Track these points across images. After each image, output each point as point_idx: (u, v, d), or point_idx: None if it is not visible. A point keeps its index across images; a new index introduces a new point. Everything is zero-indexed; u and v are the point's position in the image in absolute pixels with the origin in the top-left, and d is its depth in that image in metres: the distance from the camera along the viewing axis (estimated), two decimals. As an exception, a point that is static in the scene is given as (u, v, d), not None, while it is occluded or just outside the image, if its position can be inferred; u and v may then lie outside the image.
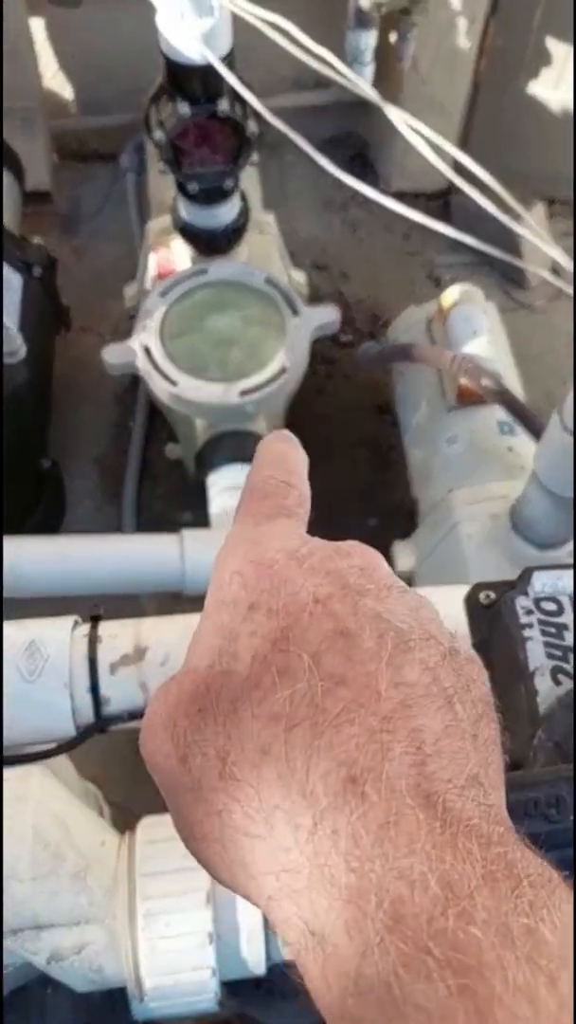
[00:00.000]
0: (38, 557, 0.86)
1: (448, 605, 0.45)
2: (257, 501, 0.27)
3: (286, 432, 0.30)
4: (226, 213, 1.01)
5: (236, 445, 0.97)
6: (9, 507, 1.10)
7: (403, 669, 0.21)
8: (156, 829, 0.53)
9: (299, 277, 1.26)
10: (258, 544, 0.25)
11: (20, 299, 1.08)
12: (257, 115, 0.91)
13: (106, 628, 0.46)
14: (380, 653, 0.21)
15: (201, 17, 0.78)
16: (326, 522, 1.19)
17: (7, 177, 1.24)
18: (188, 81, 0.84)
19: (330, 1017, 0.19)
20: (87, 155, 1.58)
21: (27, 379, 1.04)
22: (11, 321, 1.02)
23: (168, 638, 0.46)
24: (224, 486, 0.96)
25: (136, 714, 0.45)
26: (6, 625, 0.47)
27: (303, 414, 1.23)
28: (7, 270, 1.07)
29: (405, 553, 1.01)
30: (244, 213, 1.03)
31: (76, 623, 0.47)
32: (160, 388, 0.97)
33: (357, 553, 0.24)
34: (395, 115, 0.77)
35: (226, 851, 0.21)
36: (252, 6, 0.73)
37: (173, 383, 0.96)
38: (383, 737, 0.20)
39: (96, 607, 0.49)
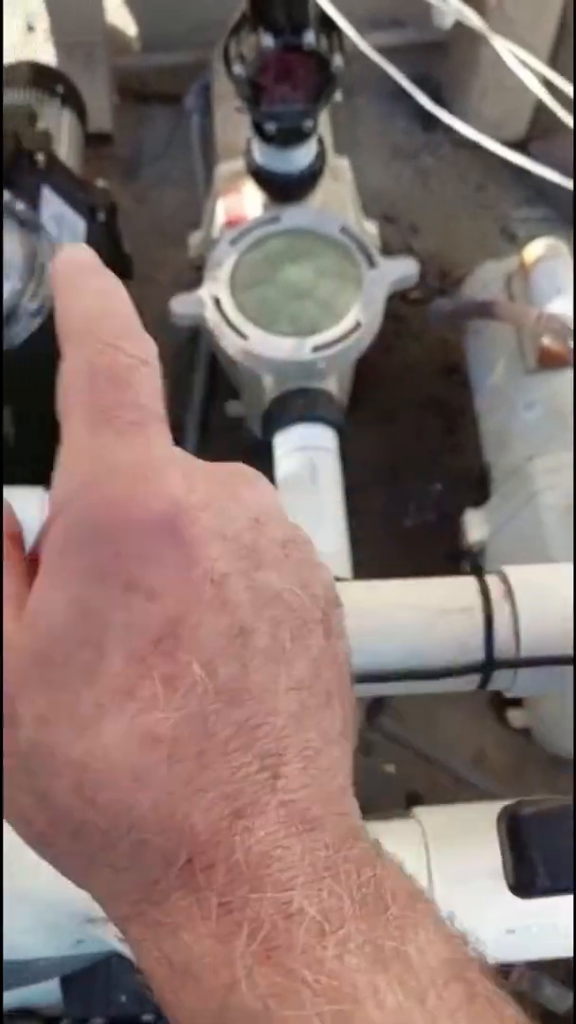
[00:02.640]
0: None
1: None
2: (111, 395, 0.19)
3: (83, 249, 0.21)
4: (303, 156, 0.95)
5: (306, 403, 0.93)
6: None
7: (295, 666, 0.19)
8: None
9: (371, 228, 1.19)
10: (134, 485, 0.18)
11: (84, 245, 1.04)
12: (342, 47, 0.85)
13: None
14: (275, 653, 0.19)
15: None
16: (390, 484, 1.15)
17: (69, 116, 1.19)
18: (272, 8, 0.78)
19: None
20: (148, 96, 1.52)
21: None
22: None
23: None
24: (293, 446, 0.92)
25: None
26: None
27: (367, 372, 1.18)
28: (71, 213, 1.03)
29: (477, 523, 0.97)
30: (321, 157, 0.98)
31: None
32: (229, 342, 0.93)
33: (249, 495, 0.20)
34: (500, 45, 0.71)
35: (77, 863, 0.19)
36: None
37: (243, 337, 0.92)
38: (273, 762, 0.18)
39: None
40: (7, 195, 0.88)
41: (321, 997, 0.16)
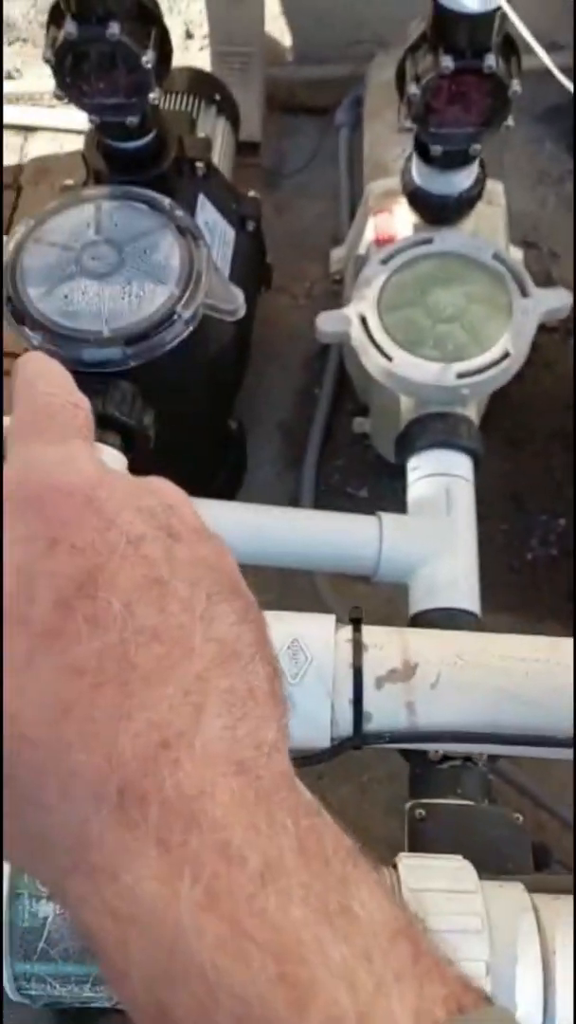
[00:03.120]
0: (232, 525, 0.83)
1: None
2: (44, 420, 0.23)
3: (40, 353, 0.27)
4: (464, 179, 0.94)
5: (446, 429, 0.91)
6: (196, 467, 1.08)
7: (214, 623, 0.20)
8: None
9: (516, 254, 1.17)
10: (55, 468, 0.21)
11: (232, 254, 1.05)
12: (520, 72, 0.84)
13: (370, 635, 0.42)
14: (194, 604, 0.20)
15: (487, -41, 0.71)
16: (513, 515, 1.12)
17: (224, 125, 1.20)
18: (456, 32, 0.77)
19: (133, 1006, 0.17)
20: (295, 108, 1.53)
21: (232, 337, 1.01)
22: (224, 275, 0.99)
23: (440, 656, 0.42)
24: (428, 471, 0.91)
25: (399, 737, 0.41)
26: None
27: (496, 399, 1.16)
28: (223, 222, 1.04)
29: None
30: (480, 181, 0.96)
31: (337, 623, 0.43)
32: (373, 362, 0.92)
33: (165, 490, 0.22)
34: None
35: (11, 823, 0.19)
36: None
37: (388, 358, 0.91)
38: (196, 699, 0.19)
39: (357, 608, 0.45)
40: (169, 201, 0.89)
41: (267, 953, 0.16)
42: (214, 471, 1.11)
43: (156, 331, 0.81)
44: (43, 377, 0.25)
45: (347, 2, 1.41)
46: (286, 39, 1.47)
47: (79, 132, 1.29)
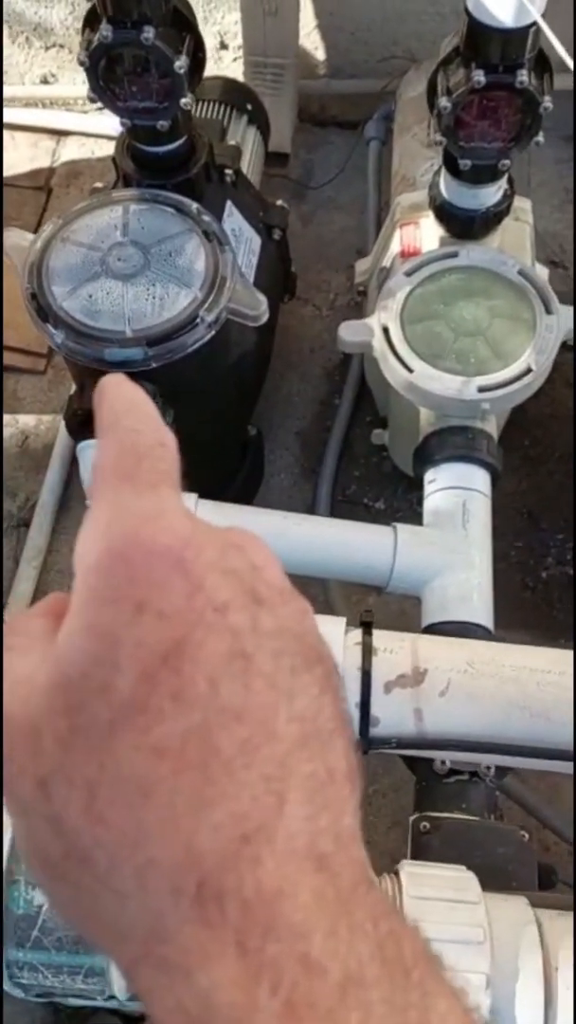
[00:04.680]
0: (248, 529, 0.83)
1: None
2: (132, 464, 0.22)
3: (122, 376, 0.26)
4: (492, 195, 0.94)
5: (465, 443, 0.91)
6: (215, 472, 1.08)
7: (296, 699, 0.19)
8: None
9: (542, 272, 1.17)
10: (145, 524, 0.20)
11: (257, 261, 1.05)
12: (552, 88, 0.84)
13: (381, 639, 0.42)
14: (277, 680, 0.19)
15: (522, -24, 0.71)
16: (528, 532, 1.11)
17: (254, 134, 1.21)
18: (490, 46, 0.77)
19: None
20: (326, 121, 1.54)
21: (255, 344, 1.01)
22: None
23: (450, 663, 0.41)
24: (445, 483, 0.90)
25: (406, 743, 0.41)
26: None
27: (514, 414, 1.15)
28: (249, 230, 1.04)
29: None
30: (508, 197, 0.96)
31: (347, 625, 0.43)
32: (394, 373, 0.92)
33: (250, 546, 0.22)
34: None
35: (84, 901, 0.18)
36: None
37: (409, 369, 0.91)
38: (278, 786, 0.18)
39: (368, 612, 0.44)
40: (196, 206, 0.89)
41: None
42: (232, 475, 1.11)
43: (178, 333, 0.82)
44: (129, 411, 0.24)
45: (380, 19, 1.42)
46: (319, 53, 1.48)
47: (110, 138, 1.30)
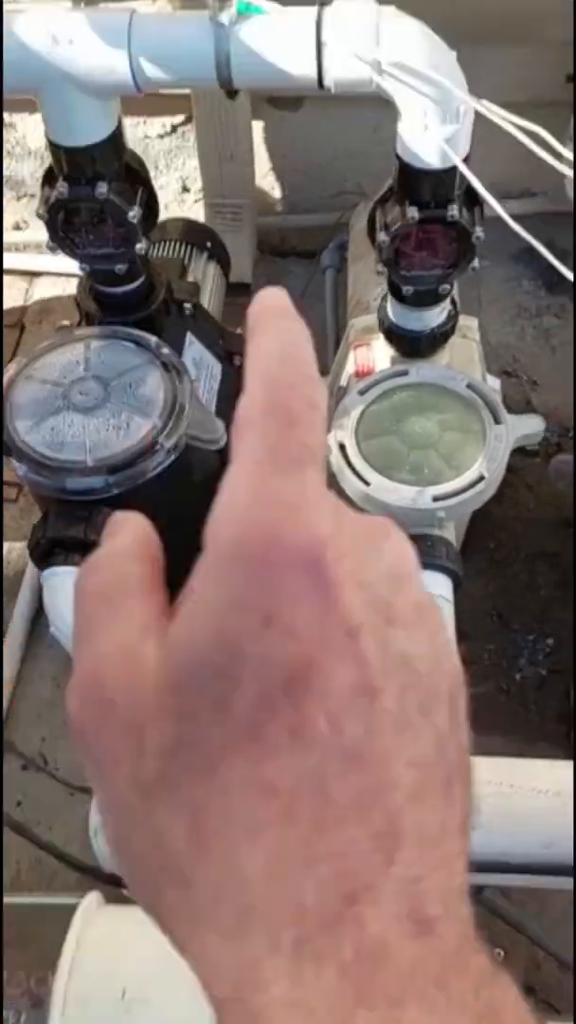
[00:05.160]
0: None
1: None
2: (281, 429, 0.20)
3: (279, 293, 0.22)
4: (435, 317, 0.99)
5: (424, 550, 0.93)
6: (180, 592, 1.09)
7: (419, 742, 0.18)
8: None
9: (494, 384, 1.22)
10: (286, 517, 0.18)
11: (219, 387, 1.10)
12: (482, 219, 0.90)
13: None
14: (401, 719, 0.18)
15: (445, 124, 0.78)
16: (500, 635, 1.11)
17: (215, 269, 1.28)
18: (420, 186, 0.84)
19: None
20: (286, 251, 1.63)
21: (219, 464, 1.04)
22: (210, 408, 1.03)
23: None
24: (408, 594, 0.92)
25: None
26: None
27: (479, 519, 1.18)
28: (210, 357, 1.09)
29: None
30: (452, 317, 1.02)
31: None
32: (352, 486, 0.95)
33: (388, 547, 0.20)
34: None
35: (182, 925, 0.18)
36: (508, 113, 0.72)
37: (366, 483, 0.94)
38: (389, 843, 0.17)
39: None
40: (155, 339, 0.94)
41: None
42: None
43: (139, 460, 0.85)
44: (284, 357, 0.21)
45: (331, 159, 1.52)
46: (276, 192, 1.58)
47: (48, 246, 1.38)
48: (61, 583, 0.81)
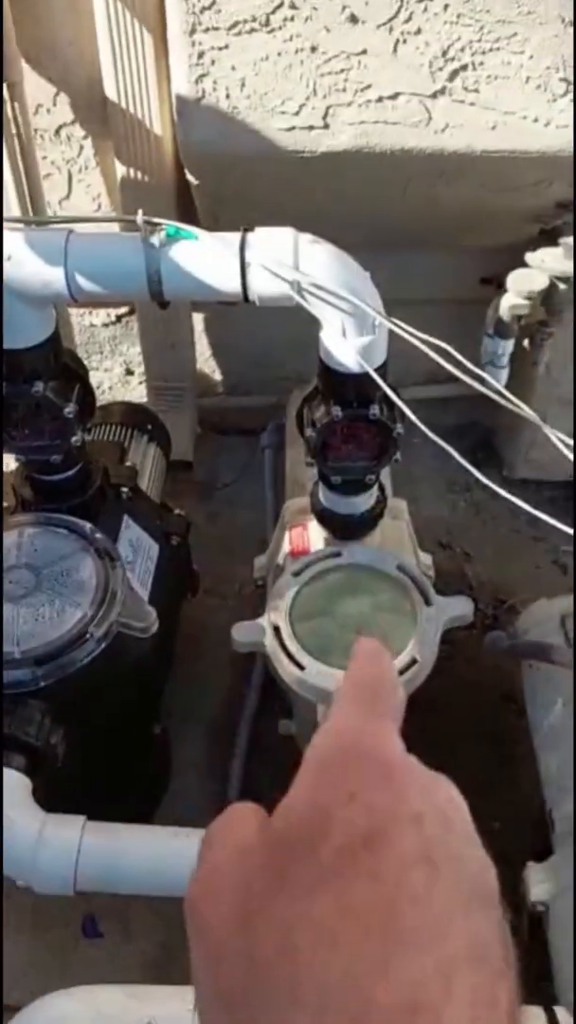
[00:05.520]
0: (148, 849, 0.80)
1: None
2: (368, 693, 0.27)
3: (378, 642, 0.30)
4: (364, 502, 1.03)
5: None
6: (117, 776, 1.06)
7: (472, 919, 0.21)
8: None
9: (426, 559, 1.25)
10: (368, 739, 0.25)
11: (155, 567, 1.11)
12: (403, 416, 0.95)
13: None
14: (455, 896, 0.21)
15: (361, 335, 0.84)
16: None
17: (155, 451, 1.32)
18: (343, 387, 0.89)
19: None
20: (228, 429, 1.69)
21: (153, 647, 1.03)
22: (144, 591, 1.03)
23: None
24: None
25: None
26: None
27: (418, 697, 1.17)
28: (147, 539, 1.11)
29: (539, 880, 0.91)
30: (381, 501, 1.05)
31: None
32: (286, 670, 0.95)
33: (446, 786, 0.25)
34: (547, 429, 0.78)
35: (260, 1011, 0.20)
36: (411, 329, 0.77)
37: (300, 667, 0.94)
38: (448, 972, 0.19)
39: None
40: (89, 526, 0.95)
41: None
42: (135, 779, 1.09)
43: (68, 650, 0.84)
44: (378, 660, 0.29)
45: (270, 347, 1.61)
46: (217, 375, 1.66)
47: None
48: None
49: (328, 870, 0.21)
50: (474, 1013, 0.19)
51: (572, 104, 1.00)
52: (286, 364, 1.62)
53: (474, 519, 1.59)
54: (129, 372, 1.62)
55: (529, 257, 1.26)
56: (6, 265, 0.78)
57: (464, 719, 1.29)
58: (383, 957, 0.19)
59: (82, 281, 0.79)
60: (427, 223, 1.22)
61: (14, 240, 0.79)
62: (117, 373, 1.61)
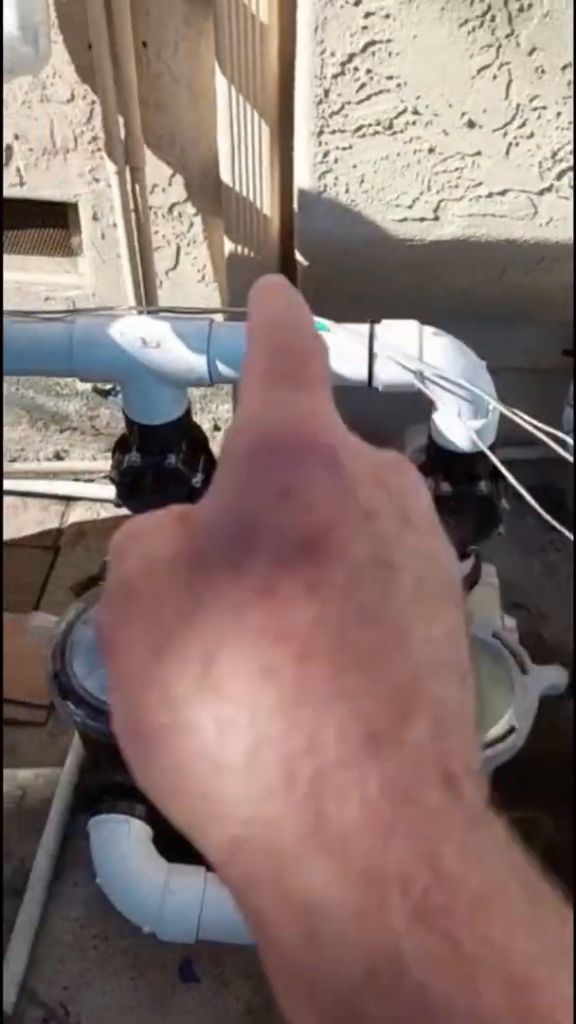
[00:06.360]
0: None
1: None
2: (287, 363, 0.21)
3: (282, 278, 0.24)
4: (463, 569, 1.07)
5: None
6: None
7: (434, 625, 0.18)
8: None
9: (510, 623, 1.29)
10: (299, 417, 0.19)
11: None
12: (508, 492, 1.00)
13: None
14: (417, 598, 0.18)
15: (476, 418, 0.89)
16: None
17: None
18: (451, 465, 0.94)
19: (311, 1006, 0.15)
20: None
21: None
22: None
23: None
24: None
25: None
26: None
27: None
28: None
29: None
30: (477, 568, 1.10)
31: None
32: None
33: (404, 470, 0.20)
34: None
35: (184, 776, 0.17)
36: (536, 421, 0.83)
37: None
38: (407, 697, 0.16)
39: None
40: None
41: (497, 981, 0.14)
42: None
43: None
44: (286, 312, 0.23)
45: (360, 408, 1.67)
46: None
47: (116, 503, 1.48)
48: (111, 833, 0.82)
49: (256, 590, 0.17)
50: (438, 730, 0.16)
51: None
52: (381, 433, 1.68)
53: (549, 580, 1.63)
54: (216, 428, 1.69)
55: (614, 333, 1.31)
56: (154, 352, 0.84)
57: (548, 785, 1.31)
58: (328, 685, 0.16)
59: (221, 367, 0.85)
60: (519, 302, 1.28)
61: (160, 328, 0.85)
62: (205, 429, 1.67)
